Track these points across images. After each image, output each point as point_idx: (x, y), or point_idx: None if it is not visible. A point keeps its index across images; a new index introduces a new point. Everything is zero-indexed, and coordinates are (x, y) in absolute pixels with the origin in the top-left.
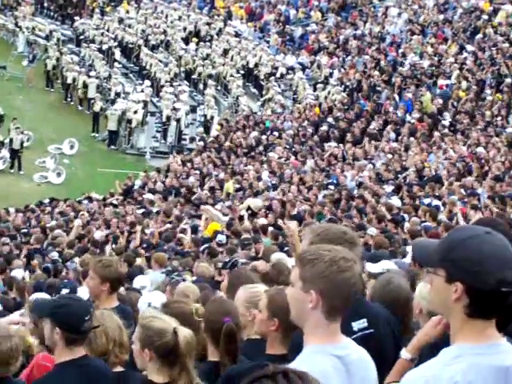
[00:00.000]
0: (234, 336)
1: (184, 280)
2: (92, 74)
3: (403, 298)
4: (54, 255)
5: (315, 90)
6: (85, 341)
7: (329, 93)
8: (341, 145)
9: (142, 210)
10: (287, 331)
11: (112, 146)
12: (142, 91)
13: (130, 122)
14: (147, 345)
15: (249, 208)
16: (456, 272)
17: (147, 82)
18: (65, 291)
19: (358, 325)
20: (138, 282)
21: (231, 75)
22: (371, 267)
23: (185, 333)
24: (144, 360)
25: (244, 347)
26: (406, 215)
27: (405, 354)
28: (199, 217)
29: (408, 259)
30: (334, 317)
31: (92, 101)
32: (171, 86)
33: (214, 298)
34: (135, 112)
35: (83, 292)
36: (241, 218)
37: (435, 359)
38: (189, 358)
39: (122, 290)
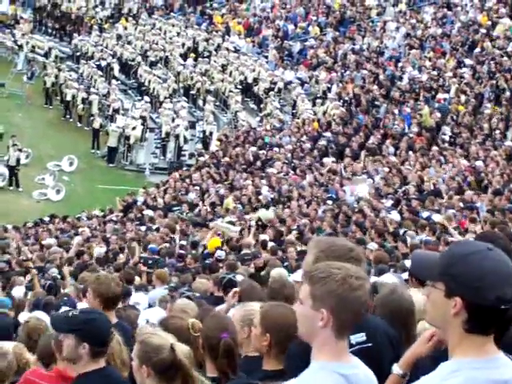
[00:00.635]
0: (232, 351)
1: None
2: (92, 90)
3: (405, 308)
4: (54, 272)
5: (314, 104)
6: (107, 351)
7: (327, 108)
8: (339, 161)
9: (143, 227)
10: (281, 347)
11: (111, 164)
12: (141, 107)
13: (128, 138)
14: (145, 361)
15: (259, 219)
16: (456, 287)
17: (146, 98)
18: (64, 309)
19: (355, 338)
20: (133, 299)
21: (230, 91)
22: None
23: (182, 348)
24: (142, 376)
25: (242, 364)
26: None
27: (396, 369)
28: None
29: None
30: (343, 334)
31: (92, 117)
32: (170, 102)
33: (212, 313)
34: (134, 128)
35: None
36: (249, 228)
37: (433, 373)
38: (192, 371)
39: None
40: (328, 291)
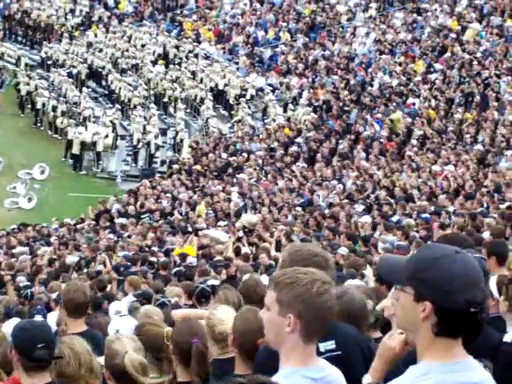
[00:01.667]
0: (204, 356)
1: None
2: (61, 99)
3: (356, 310)
4: (22, 280)
5: (285, 110)
6: (44, 369)
7: (298, 114)
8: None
9: (112, 235)
10: (246, 353)
11: (80, 172)
12: (112, 115)
13: (94, 145)
14: (105, 365)
15: (244, 226)
16: (426, 291)
17: (117, 106)
18: (38, 317)
19: (325, 346)
20: (113, 307)
21: (201, 98)
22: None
23: (133, 357)
24: (107, 381)
25: (211, 367)
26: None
27: (368, 379)
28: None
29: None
30: (311, 339)
31: (65, 125)
32: (141, 109)
33: (182, 319)
34: (106, 136)
35: (52, 318)
36: (239, 240)
37: (402, 377)
38: (140, 381)
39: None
40: (294, 296)
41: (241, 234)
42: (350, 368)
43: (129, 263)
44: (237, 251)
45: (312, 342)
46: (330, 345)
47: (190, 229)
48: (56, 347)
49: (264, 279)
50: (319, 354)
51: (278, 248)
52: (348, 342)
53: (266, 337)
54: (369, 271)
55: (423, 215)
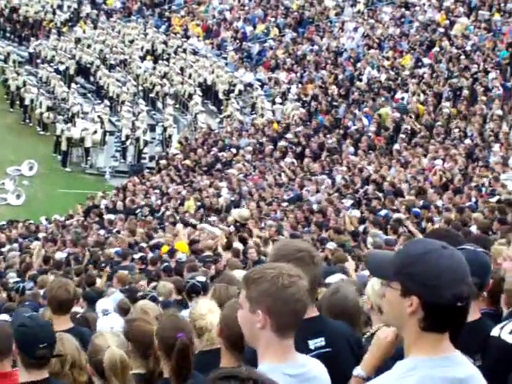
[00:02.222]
0: (187, 351)
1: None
2: (47, 95)
3: (349, 307)
4: (13, 276)
5: (273, 105)
6: (43, 366)
7: (287, 108)
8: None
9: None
10: (233, 345)
11: (64, 168)
12: (100, 111)
13: (82, 141)
14: (89, 361)
15: (235, 221)
16: (413, 286)
17: (106, 102)
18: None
19: (314, 343)
20: (100, 305)
21: (189, 93)
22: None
23: (113, 353)
24: (91, 376)
25: (195, 360)
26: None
27: (359, 371)
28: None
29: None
30: (285, 334)
31: (51, 121)
32: (130, 105)
33: (167, 314)
34: (95, 132)
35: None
36: (230, 234)
37: (389, 372)
38: (116, 379)
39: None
40: (261, 292)
41: (232, 228)
42: (340, 365)
43: (120, 259)
44: (228, 245)
45: (286, 336)
46: (320, 342)
47: (191, 221)
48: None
49: None
50: (309, 351)
51: (267, 243)
52: (338, 338)
53: (244, 335)
54: (350, 264)
55: (413, 209)
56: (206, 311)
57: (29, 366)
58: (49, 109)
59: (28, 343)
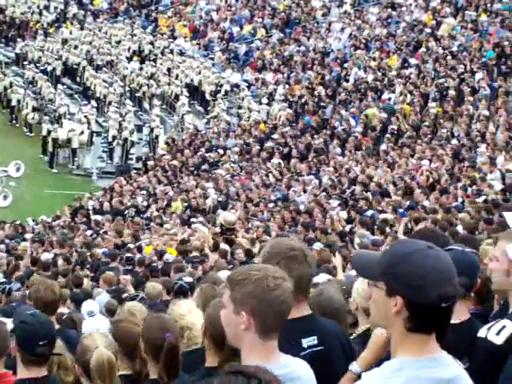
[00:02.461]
0: (176, 351)
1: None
2: (32, 96)
3: (333, 308)
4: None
5: (260, 105)
6: (42, 364)
7: (274, 109)
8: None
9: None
10: (218, 344)
11: (50, 169)
12: (87, 111)
13: (69, 142)
14: (77, 361)
15: (221, 225)
16: (398, 286)
17: (93, 103)
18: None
19: (307, 342)
20: (85, 307)
21: (176, 94)
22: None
23: (101, 354)
24: (79, 377)
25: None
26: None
27: (355, 367)
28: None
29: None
30: (269, 336)
31: (36, 121)
32: (117, 105)
33: (151, 315)
34: (81, 133)
35: None
36: (216, 234)
37: (376, 372)
38: (102, 380)
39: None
40: (246, 293)
41: (218, 229)
42: (332, 363)
43: (109, 259)
44: (215, 246)
45: (270, 338)
46: (313, 340)
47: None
48: None
49: None
50: (302, 349)
51: (254, 243)
52: (329, 337)
53: (226, 335)
54: (337, 259)
55: (399, 210)
56: (185, 311)
57: (28, 363)
58: (34, 109)
59: (28, 340)
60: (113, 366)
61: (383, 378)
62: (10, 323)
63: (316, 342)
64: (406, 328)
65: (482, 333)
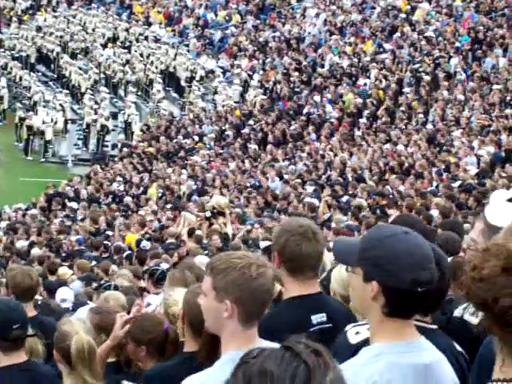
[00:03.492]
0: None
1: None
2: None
3: None
4: None
5: (233, 90)
6: (20, 348)
7: (249, 95)
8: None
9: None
10: (196, 330)
11: (28, 157)
12: (61, 99)
13: (43, 133)
14: (55, 347)
15: (213, 208)
16: (372, 271)
17: (66, 90)
18: None
19: (316, 318)
20: (59, 294)
21: (151, 80)
22: None
23: (80, 339)
24: (57, 363)
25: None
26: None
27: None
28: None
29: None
30: (250, 324)
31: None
32: (92, 93)
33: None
34: (56, 122)
35: None
36: (208, 219)
37: (355, 358)
38: (83, 365)
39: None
40: (230, 282)
41: (208, 214)
42: None
43: (83, 247)
44: (189, 232)
45: (251, 326)
46: (322, 317)
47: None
48: None
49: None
50: (312, 325)
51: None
52: (337, 315)
53: (205, 323)
54: None
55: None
56: (180, 298)
57: (5, 350)
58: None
59: (2, 326)
60: (93, 350)
61: (362, 364)
62: None
63: (325, 319)
64: (383, 313)
65: (457, 312)
